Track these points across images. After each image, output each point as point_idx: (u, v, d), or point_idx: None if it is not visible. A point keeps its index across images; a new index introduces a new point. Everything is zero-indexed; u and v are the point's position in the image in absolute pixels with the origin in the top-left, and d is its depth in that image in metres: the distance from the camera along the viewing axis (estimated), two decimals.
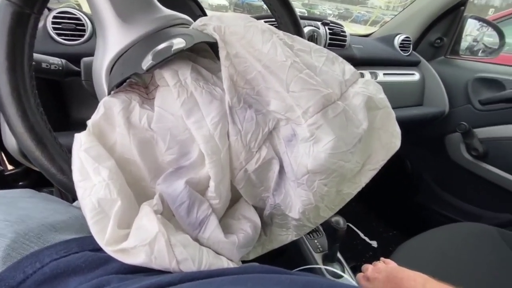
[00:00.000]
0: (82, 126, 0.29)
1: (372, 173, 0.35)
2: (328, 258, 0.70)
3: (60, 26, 0.57)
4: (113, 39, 0.33)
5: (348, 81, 0.31)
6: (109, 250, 0.23)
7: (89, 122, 0.29)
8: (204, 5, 0.69)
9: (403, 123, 0.93)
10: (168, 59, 0.28)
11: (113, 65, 0.34)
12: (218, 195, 0.29)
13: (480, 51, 1.18)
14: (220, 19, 0.32)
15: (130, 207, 0.27)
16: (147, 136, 0.30)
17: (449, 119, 0.99)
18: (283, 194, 0.33)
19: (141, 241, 0.23)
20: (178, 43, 0.28)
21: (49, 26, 0.56)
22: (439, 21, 1.06)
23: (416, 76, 1.02)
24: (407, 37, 1.02)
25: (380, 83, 0.96)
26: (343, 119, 0.28)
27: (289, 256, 0.75)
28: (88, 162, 0.26)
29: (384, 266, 0.52)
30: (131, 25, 0.33)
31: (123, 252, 0.23)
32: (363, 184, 0.35)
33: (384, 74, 0.93)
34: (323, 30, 0.74)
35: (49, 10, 0.61)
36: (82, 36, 0.58)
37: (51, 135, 0.32)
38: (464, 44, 1.21)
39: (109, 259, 0.23)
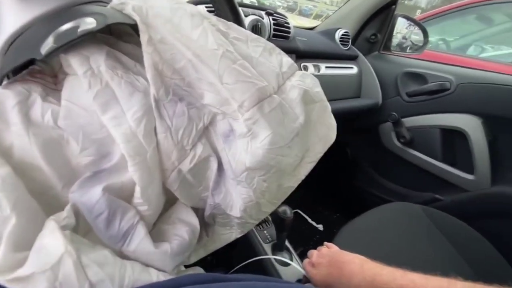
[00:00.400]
0: None
1: (311, 166, 0.35)
2: (277, 247, 0.71)
3: None
4: (8, 18, 0.27)
5: (285, 73, 0.30)
6: (1, 280, 0.18)
7: None
8: None
9: (343, 114, 0.98)
10: (73, 42, 0.23)
11: (7, 49, 0.27)
12: (146, 200, 0.26)
13: (408, 47, 1.31)
14: None
15: (32, 223, 0.22)
16: (54, 135, 0.25)
17: (382, 110, 1.09)
18: (223, 193, 0.31)
19: (41, 265, 0.19)
20: (87, 23, 0.24)
21: None
22: (373, 18, 1.14)
23: (354, 70, 1.08)
24: (346, 32, 1.08)
25: (322, 75, 0.99)
26: (279, 113, 0.27)
27: (240, 249, 0.75)
28: None
29: (327, 251, 0.55)
30: (30, 0, 0.27)
31: (20, 281, 0.19)
32: (302, 177, 0.35)
33: (326, 67, 0.97)
34: (267, 20, 0.73)
35: None
36: None
37: None
38: (395, 41, 1.33)
39: None
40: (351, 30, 1.13)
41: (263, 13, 0.73)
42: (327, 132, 0.34)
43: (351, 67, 1.08)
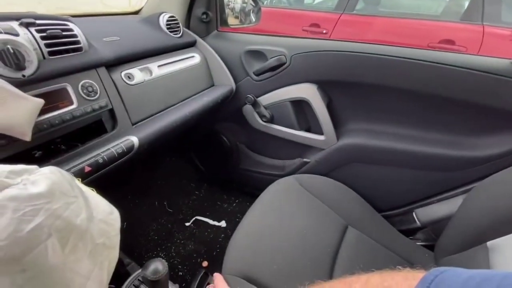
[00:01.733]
0: None
1: None
2: None
3: None
4: None
5: None
6: None
7: None
8: None
9: (203, 109, 0.88)
10: None
11: None
12: None
13: (252, 12, 1.26)
14: None
15: None
16: None
17: (239, 93, 1.05)
18: None
19: None
20: None
21: None
22: None
23: (197, 58, 0.97)
24: (171, 16, 0.92)
25: (159, 78, 0.83)
26: None
27: None
28: None
29: None
30: None
31: None
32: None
33: (159, 66, 0.81)
34: (26, 37, 0.49)
35: None
36: None
37: None
38: (237, 6, 1.26)
39: None
40: (178, 12, 0.98)
41: (15, 25, 0.48)
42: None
43: (192, 56, 0.96)
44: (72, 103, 0.55)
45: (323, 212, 0.77)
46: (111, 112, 0.64)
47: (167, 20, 0.90)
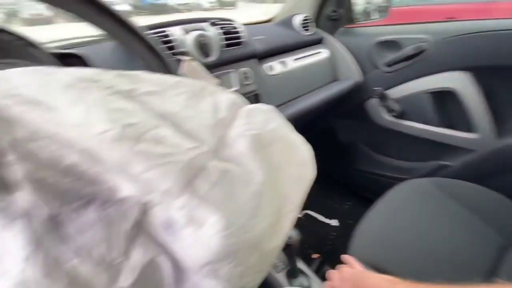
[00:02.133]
0: None
1: (294, 215, 0.28)
2: (291, 274, 0.64)
3: None
4: None
5: (224, 120, 0.23)
6: None
7: None
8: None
9: (325, 102, 0.91)
10: None
11: None
12: None
13: (375, 11, 1.23)
14: (3, 80, 0.20)
15: None
16: None
17: (365, 86, 1.02)
18: None
19: None
20: None
21: None
22: None
23: (324, 54, 1.01)
24: (306, 16, 1.00)
25: (292, 71, 0.91)
26: (224, 186, 0.20)
27: None
28: None
29: (350, 273, 0.49)
30: None
31: None
32: (287, 230, 0.28)
33: (294, 59, 0.89)
34: (213, 32, 0.65)
35: None
36: None
37: None
38: (359, 8, 1.25)
39: None
40: (309, 13, 1.05)
41: (205, 24, 0.65)
42: (300, 171, 0.27)
43: (320, 52, 1.01)
44: (231, 86, 0.68)
45: (474, 225, 0.64)
46: (256, 96, 0.75)
47: (302, 20, 0.98)
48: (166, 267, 0.22)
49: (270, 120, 0.25)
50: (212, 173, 0.19)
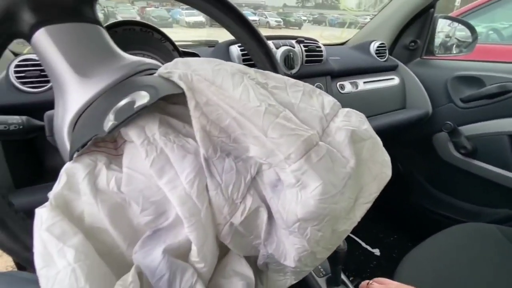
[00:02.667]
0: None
1: (366, 207, 0.32)
2: (332, 282, 0.67)
3: (23, 74, 0.53)
4: (72, 97, 0.31)
5: (328, 115, 0.29)
6: None
7: (51, 195, 0.26)
8: (181, 23, 0.68)
9: (390, 127, 0.93)
10: (131, 117, 0.25)
11: (74, 126, 0.31)
12: (202, 258, 0.26)
13: (454, 46, 1.20)
14: (186, 64, 0.30)
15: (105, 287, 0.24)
16: (118, 200, 0.27)
17: (433, 119, 1.00)
18: (275, 242, 0.30)
19: None
20: (141, 98, 0.26)
21: (12, 75, 0.53)
22: (410, 24, 1.08)
23: (395, 80, 1.02)
24: (382, 43, 1.03)
25: (361, 92, 0.96)
26: (328, 161, 0.26)
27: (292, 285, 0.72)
28: (52, 243, 0.23)
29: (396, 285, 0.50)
30: (89, 78, 0.30)
31: None
32: (358, 219, 0.33)
33: (364, 82, 0.93)
34: (298, 49, 0.73)
35: (15, 55, 0.57)
36: (48, 82, 0.54)
37: (11, 208, 0.28)
38: (437, 40, 1.23)
39: None
40: (386, 40, 1.08)
41: (293, 42, 0.74)
42: (380, 169, 0.32)
43: (392, 78, 1.02)
44: None
45: None
46: None
47: (378, 47, 1.02)
48: (263, 217, 0.29)
49: (363, 122, 0.31)
50: (321, 149, 0.26)
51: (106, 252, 0.26)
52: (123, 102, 0.26)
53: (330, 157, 0.26)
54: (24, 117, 0.38)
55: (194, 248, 0.25)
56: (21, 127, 0.37)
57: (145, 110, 0.27)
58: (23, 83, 0.53)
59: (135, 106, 0.25)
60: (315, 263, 0.32)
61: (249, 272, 0.30)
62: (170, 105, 0.31)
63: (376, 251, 1.18)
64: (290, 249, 0.29)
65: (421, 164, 1.11)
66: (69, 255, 0.22)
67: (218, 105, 0.26)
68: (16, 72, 0.53)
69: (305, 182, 0.26)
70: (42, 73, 0.54)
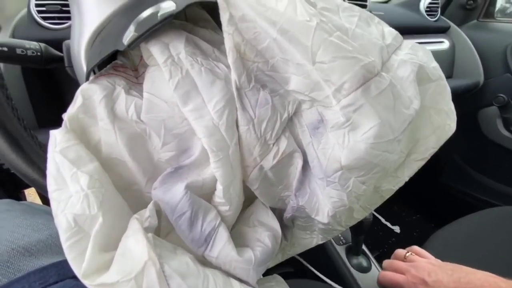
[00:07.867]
0: None
1: (419, 164, 0.28)
2: (352, 251, 0.64)
3: (44, 8, 0.51)
4: (90, 14, 0.27)
5: (390, 46, 0.24)
6: (87, 283, 0.17)
7: (65, 116, 0.23)
8: None
9: None
10: (154, 28, 0.21)
11: (92, 44, 0.27)
12: (228, 200, 0.23)
13: None
14: None
15: (118, 221, 0.21)
16: (138, 130, 0.24)
17: (483, 91, 0.89)
18: (307, 194, 0.27)
19: (125, 274, 0.17)
20: (167, 7, 0.22)
21: (33, 9, 0.50)
22: None
23: (445, 44, 0.90)
24: (434, 0, 0.90)
25: None
26: (390, 97, 0.21)
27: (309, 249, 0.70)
28: (65, 166, 0.21)
29: (428, 264, 0.43)
30: None
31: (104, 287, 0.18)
32: (406, 179, 0.28)
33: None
34: None
35: None
36: (68, 18, 0.52)
37: (27, 133, 0.26)
38: (497, 5, 1.07)
39: None
40: None
41: None
42: (444, 120, 0.26)
43: (441, 41, 0.90)
44: None
45: None
46: None
47: (429, 3, 0.89)
48: (298, 164, 0.26)
49: (431, 58, 0.25)
50: (383, 81, 0.21)
51: (124, 187, 0.24)
52: (145, 14, 0.22)
53: (392, 92, 0.21)
54: (42, 44, 0.35)
55: (219, 187, 0.22)
56: (39, 53, 0.34)
57: (170, 26, 0.23)
58: (44, 18, 0.51)
59: (158, 15, 0.21)
60: (348, 223, 0.29)
61: (275, 224, 0.27)
62: (198, 28, 0.27)
63: (396, 228, 1.14)
64: (325, 203, 0.26)
65: (460, 142, 1.01)
66: (82, 181, 0.20)
67: (257, 21, 0.21)
68: (37, 5, 0.51)
69: (357, 122, 0.21)
70: (64, 8, 0.51)
